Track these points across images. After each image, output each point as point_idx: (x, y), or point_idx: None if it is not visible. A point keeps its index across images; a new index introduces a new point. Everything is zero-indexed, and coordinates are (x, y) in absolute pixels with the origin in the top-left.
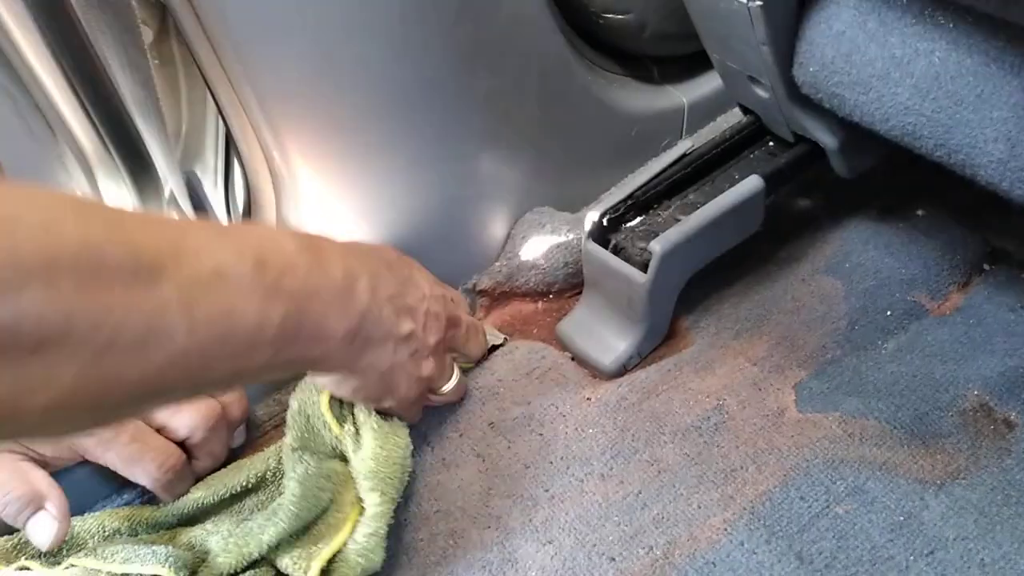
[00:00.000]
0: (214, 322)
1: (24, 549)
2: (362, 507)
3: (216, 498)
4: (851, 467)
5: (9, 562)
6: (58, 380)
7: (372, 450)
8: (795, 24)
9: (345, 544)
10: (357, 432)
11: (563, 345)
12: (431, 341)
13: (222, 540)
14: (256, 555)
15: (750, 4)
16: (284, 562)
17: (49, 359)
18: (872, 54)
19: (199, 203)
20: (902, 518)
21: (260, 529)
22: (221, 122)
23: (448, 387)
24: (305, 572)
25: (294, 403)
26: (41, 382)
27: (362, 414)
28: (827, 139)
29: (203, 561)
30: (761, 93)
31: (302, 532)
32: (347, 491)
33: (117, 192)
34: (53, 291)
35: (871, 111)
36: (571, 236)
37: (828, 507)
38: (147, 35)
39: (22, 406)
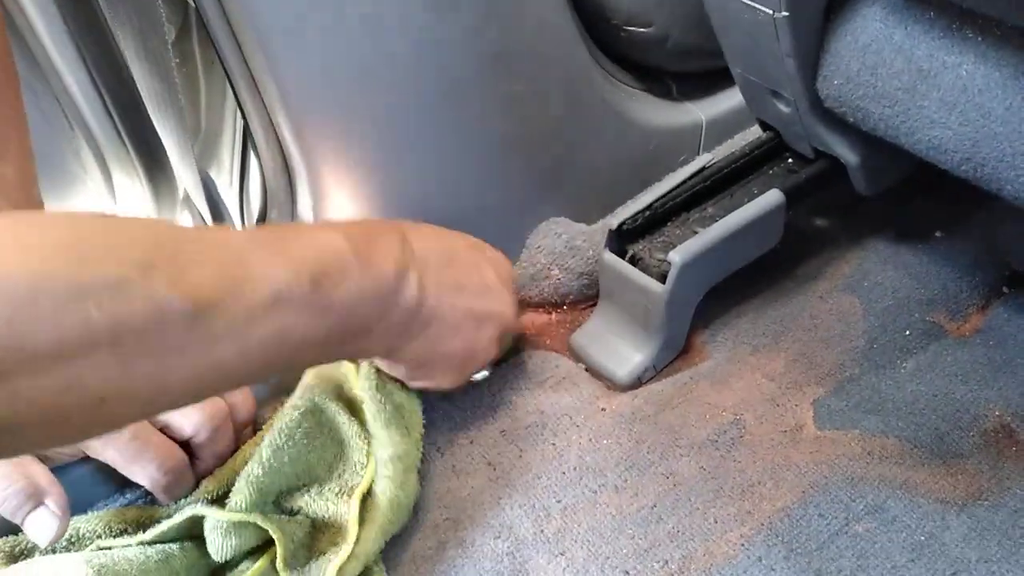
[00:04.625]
0: (266, 344)
1: (27, 552)
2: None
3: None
4: (871, 485)
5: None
6: (117, 420)
7: (398, 404)
8: (820, 37)
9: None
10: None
11: (576, 356)
12: (488, 332)
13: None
14: (261, 476)
15: (776, 15)
16: (324, 498)
17: (109, 408)
18: (898, 67)
19: (213, 203)
20: (923, 538)
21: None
22: (239, 122)
23: (478, 376)
24: (349, 496)
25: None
26: (103, 425)
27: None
28: (848, 155)
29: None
30: (783, 108)
31: (327, 478)
32: (362, 441)
33: (131, 189)
34: (117, 354)
35: (896, 124)
36: (587, 247)
37: (847, 525)
38: (168, 33)
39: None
